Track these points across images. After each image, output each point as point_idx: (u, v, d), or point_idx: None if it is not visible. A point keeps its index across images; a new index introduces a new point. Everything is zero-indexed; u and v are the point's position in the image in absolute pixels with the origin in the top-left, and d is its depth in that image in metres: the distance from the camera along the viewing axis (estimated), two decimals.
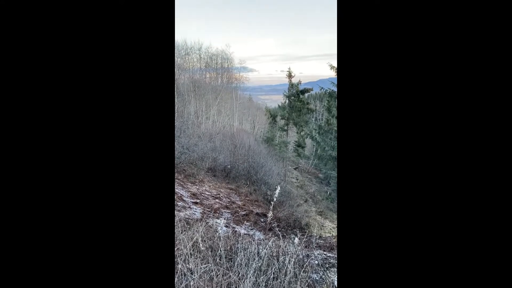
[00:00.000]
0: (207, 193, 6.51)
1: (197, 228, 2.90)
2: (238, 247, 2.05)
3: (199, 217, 4.58)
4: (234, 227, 4.49)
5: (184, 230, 2.89)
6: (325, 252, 3.12)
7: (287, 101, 15.94)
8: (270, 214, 1.95)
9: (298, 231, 4.22)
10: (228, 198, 6.55)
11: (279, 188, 2.01)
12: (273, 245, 2.25)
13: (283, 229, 4.92)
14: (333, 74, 10.10)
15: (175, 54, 20.39)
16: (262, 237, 4.05)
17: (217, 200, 6.16)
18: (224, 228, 4.23)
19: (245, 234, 4.16)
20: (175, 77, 19.17)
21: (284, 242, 2.41)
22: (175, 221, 3.03)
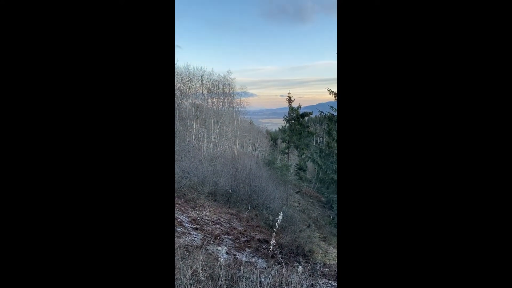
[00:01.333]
0: (207, 218, 6.37)
1: (197, 256, 2.80)
2: (239, 276, 1.97)
3: (199, 244, 4.44)
4: (235, 254, 4.34)
5: (184, 258, 2.79)
6: (330, 281, 2.99)
7: (287, 124, 16.14)
8: (272, 242, 1.90)
9: (301, 259, 4.06)
10: (229, 224, 6.40)
11: (281, 214, 1.97)
12: (276, 274, 2.16)
13: (285, 256, 4.74)
14: (332, 98, 10.32)
15: (178, 80, 21.04)
16: (264, 264, 3.90)
17: (217, 225, 6.01)
18: (225, 256, 4.08)
19: (246, 261, 4.00)
20: (178, 102, 19.62)
21: (287, 271, 2.32)
22: (175, 248, 2.94)
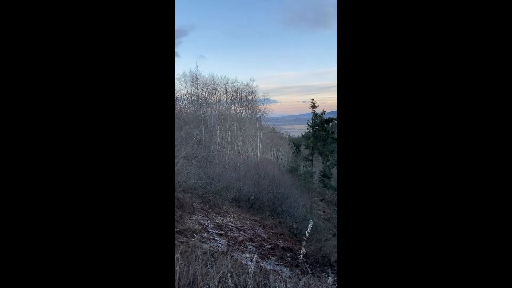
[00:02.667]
0: (231, 224, 6.42)
1: (222, 262, 2.82)
2: (268, 285, 1.95)
3: (223, 250, 4.48)
4: (259, 262, 4.30)
5: (210, 264, 2.83)
6: None
7: (311, 130, 15.91)
8: (302, 251, 1.86)
9: (329, 269, 3.93)
10: (253, 230, 6.38)
11: (311, 223, 1.93)
12: (304, 284, 2.11)
13: (311, 266, 4.62)
14: None
15: (203, 89, 21.72)
16: (289, 273, 3.82)
17: (241, 232, 6.03)
18: (249, 263, 4.07)
19: (271, 269, 3.95)
20: (203, 110, 20.20)
21: (314, 281, 2.26)
22: (201, 253, 2.99)
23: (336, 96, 1.13)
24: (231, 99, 24.14)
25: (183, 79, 21.16)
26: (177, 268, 1.91)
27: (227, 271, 1.96)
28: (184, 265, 2.03)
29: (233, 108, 24.59)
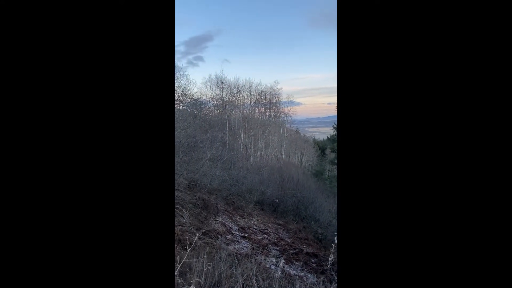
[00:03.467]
0: (255, 227, 6.42)
1: (246, 265, 2.83)
2: None
3: (247, 252, 4.49)
4: (283, 267, 4.25)
5: (233, 266, 2.85)
6: None
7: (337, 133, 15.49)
8: (331, 258, 1.80)
9: None
10: (276, 234, 6.33)
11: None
12: None
13: (336, 273, 4.46)
14: None
15: (228, 93, 22.12)
16: (314, 280, 3.73)
17: (265, 235, 6.01)
18: (273, 267, 4.03)
19: (295, 275, 3.89)
20: (227, 114, 20.56)
21: None
22: (225, 255, 3.02)
23: None
24: (255, 102, 24.31)
25: (208, 83, 21.74)
26: (204, 269, 1.95)
27: (252, 274, 1.96)
28: (210, 265, 2.06)
29: (256, 110, 24.75)
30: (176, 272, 1.73)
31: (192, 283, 1.77)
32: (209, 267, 1.95)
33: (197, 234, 2.72)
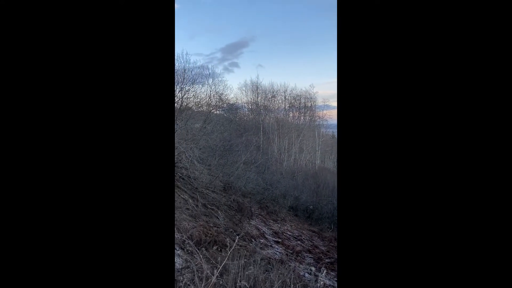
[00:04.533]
0: (288, 233, 6.34)
1: (280, 270, 2.80)
2: None
3: (280, 258, 4.45)
4: (317, 275, 4.12)
5: (267, 270, 2.84)
6: None
7: None
8: None
9: None
10: (311, 241, 6.17)
11: None
12: None
13: None
14: None
15: (262, 97, 22.34)
16: None
17: (299, 242, 5.89)
18: (307, 275, 3.93)
19: (331, 285, 3.74)
20: (261, 118, 20.74)
21: None
22: (259, 259, 3.03)
23: None
24: (289, 106, 24.16)
25: (244, 88, 22.21)
26: (239, 271, 1.98)
27: (290, 282, 1.94)
28: (251, 269, 2.09)
29: (291, 115, 24.55)
30: (217, 273, 1.79)
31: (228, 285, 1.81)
32: (248, 271, 1.98)
33: (237, 239, 2.77)
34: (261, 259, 3.26)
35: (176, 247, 4.36)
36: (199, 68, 11.87)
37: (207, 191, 6.37)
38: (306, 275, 3.96)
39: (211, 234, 4.74)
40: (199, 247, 4.42)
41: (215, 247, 4.35)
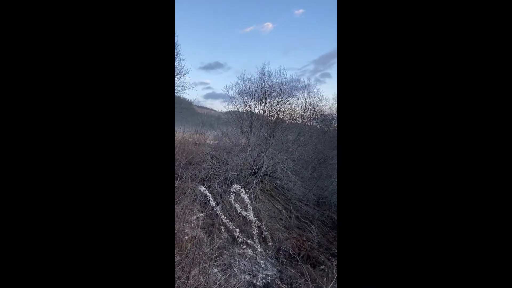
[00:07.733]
0: None
1: None
2: None
3: None
4: None
5: None
6: None
7: None
8: None
9: None
10: None
11: None
12: None
13: None
14: None
15: None
16: None
17: None
18: None
19: None
20: None
21: None
22: None
23: None
24: None
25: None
26: None
27: None
28: None
29: None
30: None
31: None
32: None
33: (334, 264, 2.64)
34: None
35: (270, 256, 4.52)
36: (295, 81, 12.26)
37: (300, 203, 6.36)
38: None
39: (304, 248, 4.67)
40: (292, 260, 4.42)
41: (307, 264, 4.26)
